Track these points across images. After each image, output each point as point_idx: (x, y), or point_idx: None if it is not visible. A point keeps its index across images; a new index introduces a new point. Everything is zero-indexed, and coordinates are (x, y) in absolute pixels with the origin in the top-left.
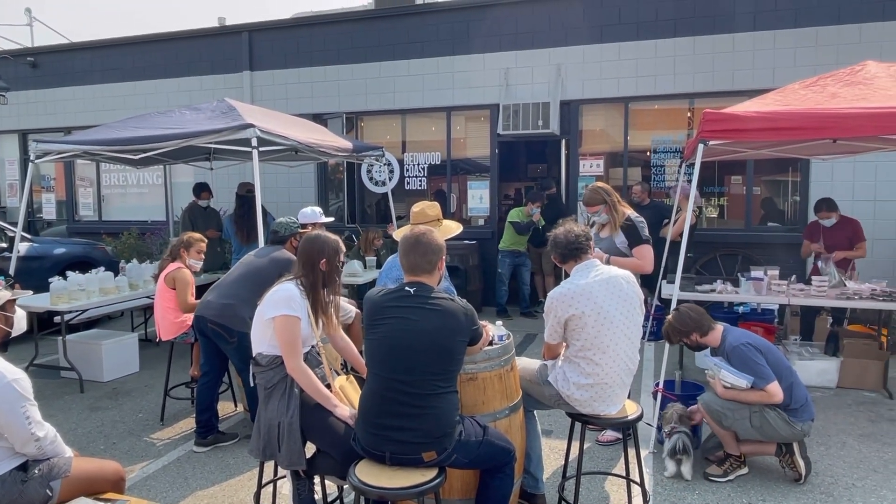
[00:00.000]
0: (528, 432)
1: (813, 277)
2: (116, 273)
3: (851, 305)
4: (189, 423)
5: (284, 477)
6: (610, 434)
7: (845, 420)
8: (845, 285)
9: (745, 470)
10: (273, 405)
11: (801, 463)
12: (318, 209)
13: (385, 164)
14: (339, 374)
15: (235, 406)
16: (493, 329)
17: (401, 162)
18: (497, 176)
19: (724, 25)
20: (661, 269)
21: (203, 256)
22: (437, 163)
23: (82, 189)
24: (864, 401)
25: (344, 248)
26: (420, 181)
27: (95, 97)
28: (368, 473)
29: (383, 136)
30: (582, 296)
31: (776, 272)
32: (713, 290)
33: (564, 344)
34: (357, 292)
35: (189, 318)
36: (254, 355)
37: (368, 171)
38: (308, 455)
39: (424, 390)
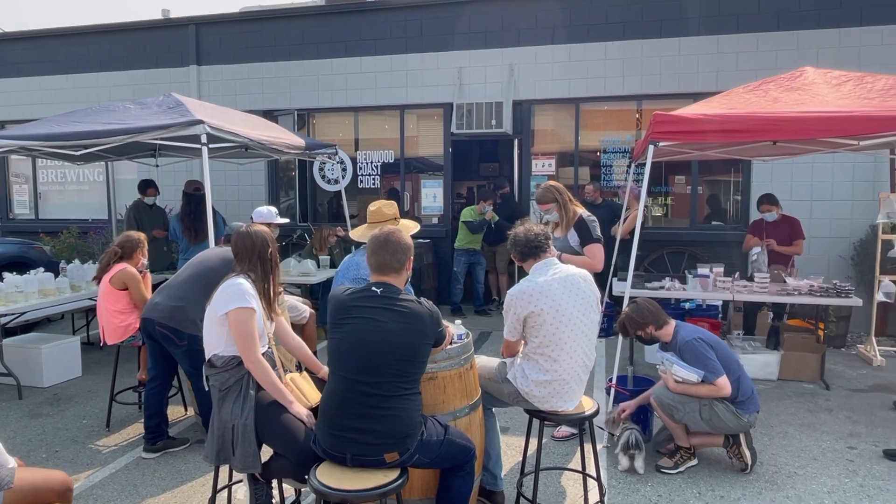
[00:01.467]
0: (486, 430)
1: (755, 274)
2: (56, 274)
3: (791, 301)
4: (137, 429)
5: (240, 482)
6: (565, 430)
7: (786, 411)
8: (784, 280)
9: (694, 461)
10: (228, 407)
11: (748, 453)
12: (274, 209)
13: (338, 163)
14: (290, 372)
15: (185, 410)
16: (453, 328)
17: (354, 160)
18: (451, 175)
19: (671, 30)
20: (612, 267)
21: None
22: (391, 161)
23: (17, 186)
24: (804, 392)
25: (328, 245)
26: (373, 179)
27: (31, 90)
28: (329, 476)
29: (336, 133)
30: (541, 293)
31: (721, 269)
32: (662, 287)
33: (523, 341)
34: (310, 291)
35: (136, 321)
36: (207, 357)
37: (321, 169)
38: (264, 459)
39: (388, 392)
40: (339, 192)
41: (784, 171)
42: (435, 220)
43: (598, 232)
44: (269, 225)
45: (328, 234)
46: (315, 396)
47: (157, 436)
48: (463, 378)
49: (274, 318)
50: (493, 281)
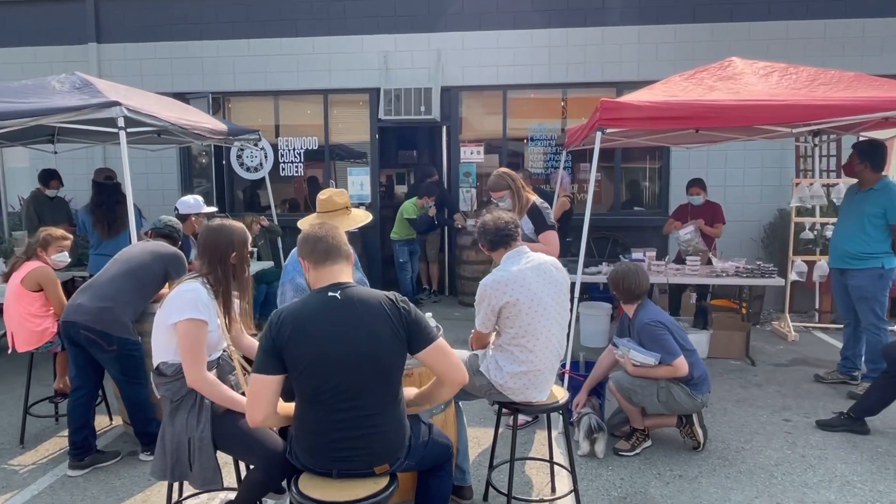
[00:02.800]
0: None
1: (687, 258)
2: None
3: (721, 282)
4: (56, 444)
5: (195, 495)
6: (522, 418)
7: (721, 388)
8: (711, 262)
9: (649, 442)
10: (181, 419)
11: (700, 432)
12: (200, 198)
13: (260, 150)
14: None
15: (110, 420)
16: None
17: (275, 147)
18: (378, 162)
19: (595, 19)
20: None
21: (65, 249)
22: (315, 148)
23: None
24: (733, 369)
25: (251, 237)
26: (296, 167)
27: None
28: (313, 487)
29: (254, 118)
30: (515, 283)
31: (653, 253)
32: (599, 272)
33: (494, 333)
34: None
35: (53, 325)
36: (155, 365)
37: (239, 156)
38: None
39: (372, 410)
40: (262, 180)
41: (700, 158)
42: (363, 209)
43: (552, 219)
44: (197, 216)
45: (251, 221)
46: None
47: (85, 450)
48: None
49: (231, 329)
50: (423, 270)
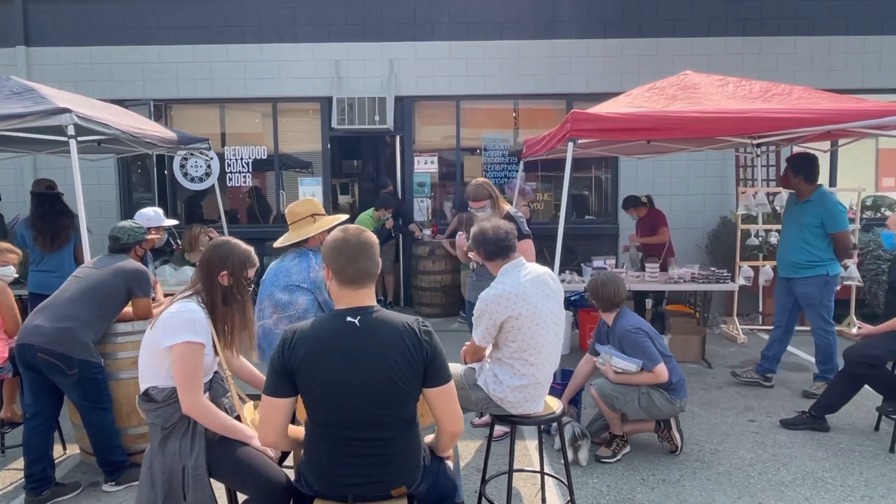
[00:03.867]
0: None
1: (646, 265)
2: None
3: (679, 288)
4: (5, 478)
5: None
6: (498, 429)
7: None
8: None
9: (628, 448)
10: (173, 447)
11: (678, 436)
12: (160, 210)
13: (210, 159)
14: (245, 401)
15: (64, 449)
16: None
17: (221, 156)
18: (330, 172)
19: (545, 31)
20: None
21: (11, 263)
22: (263, 157)
23: None
24: (692, 372)
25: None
26: (244, 177)
27: None
28: None
29: (198, 127)
30: (517, 296)
31: (613, 261)
32: (563, 280)
33: (489, 346)
34: None
35: (3, 349)
36: (143, 389)
37: (182, 166)
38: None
39: (388, 436)
40: (210, 190)
41: (647, 168)
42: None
43: (527, 227)
44: (157, 229)
45: (198, 232)
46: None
47: (43, 483)
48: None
49: (224, 354)
50: (377, 281)
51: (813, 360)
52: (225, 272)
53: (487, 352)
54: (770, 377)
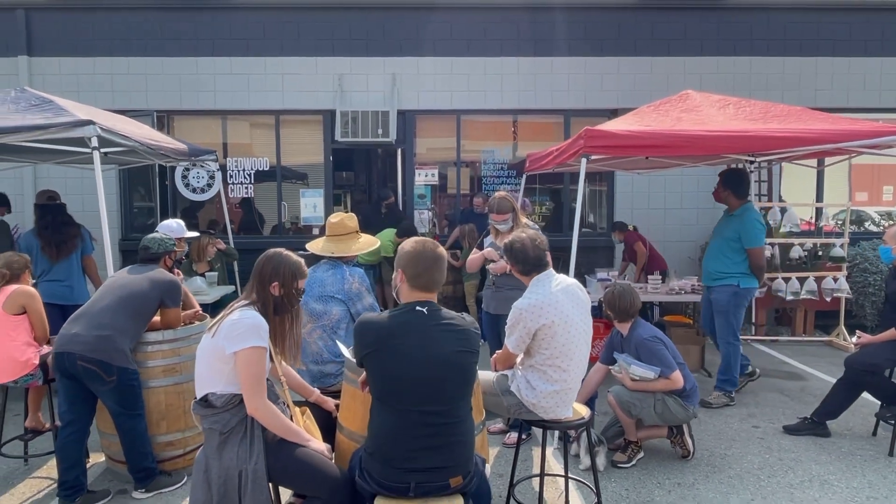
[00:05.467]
0: None
1: (649, 276)
2: None
3: (680, 299)
4: (32, 486)
5: None
6: (514, 436)
7: None
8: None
9: (642, 454)
10: (231, 451)
11: (689, 442)
12: (181, 222)
13: (216, 170)
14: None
15: (87, 457)
16: None
17: (223, 167)
18: (332, 184)
19: (544, 49)
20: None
21: None
22: (265, 169)
23: None
24: None
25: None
26: (246, 188)
27: None
28: None
29: (200, 138)
30: (550, 306)
31: (616, 273)
32: None
33: (521, 355)
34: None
35: (35, 355)
36: (200, 395)
37: (184, 177)
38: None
39: (455, 417)
40: (208, 200)
41: (642, 182)
42: (316, 231)
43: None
44: (179, 240)
45: (206, 243)
46: (317, 432)
47: (77, 490)
48: (476, 394)
49: (277, 362)
50: (377, 292)
51: (806, 367)
52: (276, 283)
53: (518, 359)
54: (730, 392)
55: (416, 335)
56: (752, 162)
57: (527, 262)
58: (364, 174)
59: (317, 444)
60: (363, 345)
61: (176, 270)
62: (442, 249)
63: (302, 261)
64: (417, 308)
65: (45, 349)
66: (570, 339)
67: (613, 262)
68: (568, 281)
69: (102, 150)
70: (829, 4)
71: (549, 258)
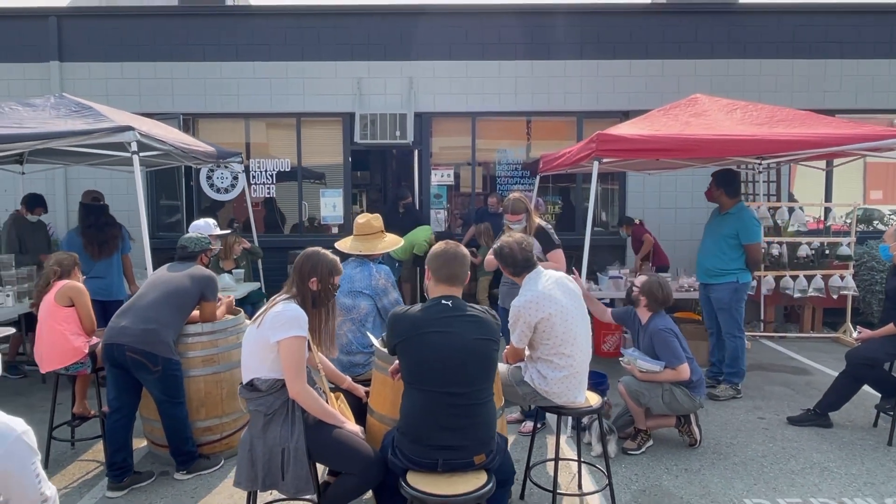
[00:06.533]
0: None
1: (659, 274)
2: None
3: (689, 296)
4: (80, 468)
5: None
6: (529, 425)
7: None
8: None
9: (651, 442)
10: (274, 431)
11: (696, 430)
12: (212, 220)
13: (241, 171)
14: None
15: None
16: None
17: (246, 168)
18: (350, 184)
19: (557, 52)
20: None
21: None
22: (287, 170)
23: None
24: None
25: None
26: (268, 188)
27: None
28: (422, 482)
29: (223, 139)
30: (545, 299)
31: (627, 271)
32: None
33: (526, 348)
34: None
35: (84, 345)
36: (247, 381)
37: (209, 177)
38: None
39: (476, 400)
40: (234, 200)
41: (653, 182)
42: (335, 230)
43: (557, 238)
44: (214, 238)
45: (233, 242)
46: (351, 415)
47: (125, 471)
48: (496, 381)
49: (314, 351)
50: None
51: (812, 363)
52: (315, 279)
53: (526, 352)
54: (721, 379)
55: (442, 325)
56: (759, 163)
57: (516, 265)
58: (379, 174)
59: (351, 426)
60: (396, 334)
61: None
62: (463, 249)
63: (337, 259)
64: (443, 301)
65: (94, 340)
66: (569, 326)
67: (625, 260)
68: (557, 275)
69: (109, 152)
70: (838, 7)
71: (535, 258)
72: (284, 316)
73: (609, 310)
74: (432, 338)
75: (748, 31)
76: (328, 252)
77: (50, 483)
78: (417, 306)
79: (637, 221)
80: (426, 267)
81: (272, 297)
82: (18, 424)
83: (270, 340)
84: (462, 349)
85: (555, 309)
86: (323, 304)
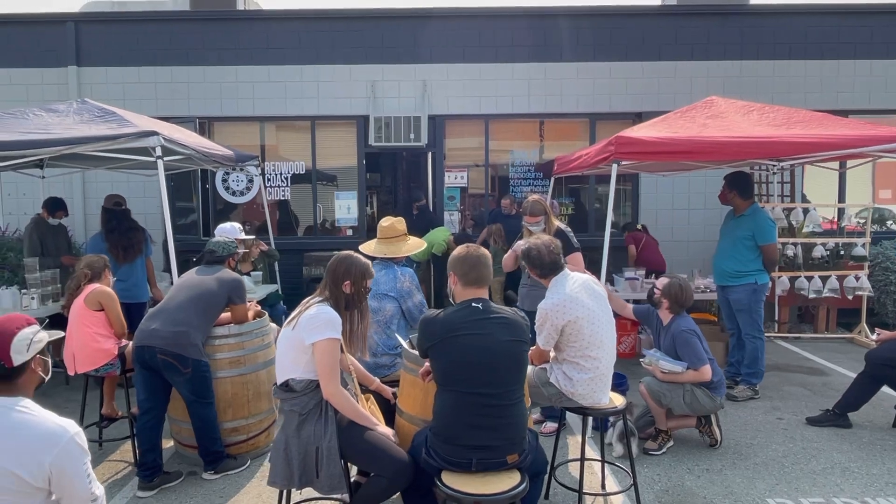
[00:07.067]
0: None
1: (681, 276)
2: None
3: (705, 297)
4: (109, 468)
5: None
6: (550, 426)
7: None
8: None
9: (672, 442)
10: (308, 430)
11: (717, 431)
12: (237, 224)
13: (257, 175)
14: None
15: None
16: None
17: (262, 171)
18: (364, 186)
19: (570, 54)
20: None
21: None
22: (302, 172)
23: None
24: None
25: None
26: (283, 191)
27: None
28: (457, 482)
29: (239, 142)
30: (572, 302)
31: (643, 272)
32: None
33: (552, 350)
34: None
35: (114, 347)
36: (282, 381)
37: (224, 180)
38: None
39: (507, 400)
40: (248, 203)
41: (666, 183)
42: (350, 232)
43: (576, 240)
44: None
45: (251, 244)
46: (382, 418)
47: (155, 471)
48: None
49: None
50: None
51: (828, 363)
52: (348, 282)
53: (551, 354)
54: (738, 380)
55: (474, 327)
56: (775, 165)
57: (543, 267)
58: (389, 176)
59: (383, 428)
60: (428, 338)
61: None
62: (484, 250)
63: (370, 262)
64: (473, 304)
65: (123, 342)
66: (596, 329)
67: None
68: (583, 277)
69: (141, 157)
70: (850, 8)
71: (562, 261)
72: (319, 318)
73: (630, 305)
74: (465, 340)
75: (760, 33)
76: (361, 256)
77: (99, 483)
78: (448, 309)
79: (639, 227)
80: (450, 272)
81: (305, 300)
82: (71, 426)
83: (305, 342)
84: (494, 351)
85: (582, 312)
86: (356, 306)
